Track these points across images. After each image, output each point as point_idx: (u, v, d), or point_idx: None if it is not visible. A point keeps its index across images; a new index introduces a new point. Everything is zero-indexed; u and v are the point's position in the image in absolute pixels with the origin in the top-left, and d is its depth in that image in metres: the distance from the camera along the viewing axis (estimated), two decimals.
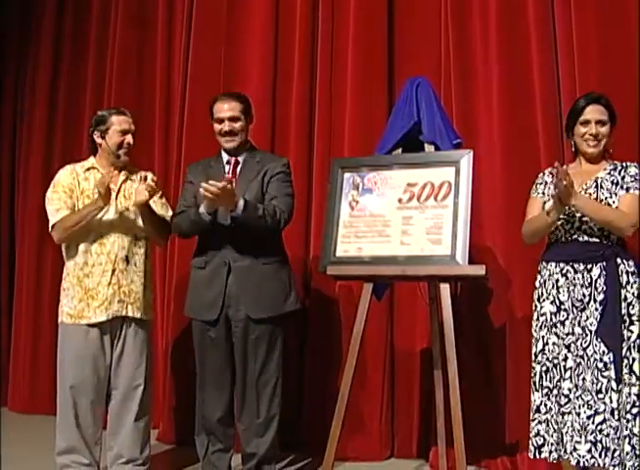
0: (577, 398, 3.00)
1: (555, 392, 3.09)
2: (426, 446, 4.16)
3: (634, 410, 2.94)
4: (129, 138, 3.61)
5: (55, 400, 3.60)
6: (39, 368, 5.32)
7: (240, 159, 3.62)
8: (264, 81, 4.70)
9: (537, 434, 3.11)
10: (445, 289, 3.21)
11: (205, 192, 3.22)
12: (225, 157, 3.66)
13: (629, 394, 2.95)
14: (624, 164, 3.14)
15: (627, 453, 2.90)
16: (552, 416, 3.08)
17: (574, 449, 2.96)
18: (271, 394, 3.52)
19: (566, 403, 3.03)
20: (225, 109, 3.57)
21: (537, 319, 3.18)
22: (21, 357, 5.50)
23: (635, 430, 2.92)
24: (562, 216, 3.11)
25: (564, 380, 3.05)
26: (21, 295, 5.59)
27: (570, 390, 3.02)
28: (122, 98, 5.07)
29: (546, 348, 3.12)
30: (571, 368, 3.04)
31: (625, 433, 2.92)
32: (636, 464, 2.90)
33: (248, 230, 3.40)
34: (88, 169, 3.65)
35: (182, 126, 4.89)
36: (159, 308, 4.84)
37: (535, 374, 3.15)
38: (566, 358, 3.06)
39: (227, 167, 3.63)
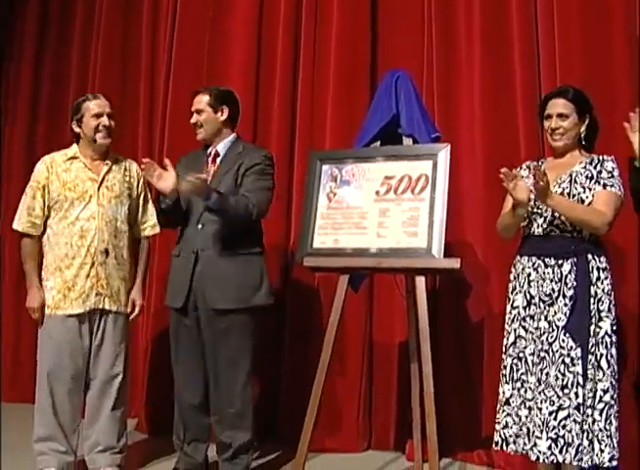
0: (540, 393, 2.99)
1: (518, 385, 3.10)
2: (403, 439, 4.17)
3: (600, 406, 2.93)
4: (104, 120, 3.58)
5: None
6: (21, 357, 5.32)
7: (220, 150, 3.64)
8: (247, 73, 4.71)
9: (506, 426, 3.13)
10: (421, 282, 3.22)
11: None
12: (209, 148, 3.69)
13: (595, 389, 2.94)
14: (600, 158, 3.11)
15: (585, 448, 2.90)
16: (517, 409, 3.09)
17: (535, 445, 2.96)
18: (243, 385, 3.52)
19: (532, 398, 3.03)
20: (193, 102, 3.65)
21: (510, 312, 3.19)
22: (3, 347, 5.48)
23: (600, 425, 2.91)
24: (535, 211, 3.12)
25: (530, 374, 3.06)
26: (3, 283, 5.57)
27: (534, 384, 3.04)
28: (106, 86, 5.07)
29: (517, 341, 3.13)
30: (536, 363, 3.04)
31: (585, 427, 2.91)
32: (595, 458, 2.90)
33: (220, 221, 3.43)
34: (70, 159, 3.62)
35: (165, 115, 4.91)
36: None
37: (506, 366, 3.16)
38: (533, 353, 3.06)
39: (209, 159, 3.66)
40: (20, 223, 3.58)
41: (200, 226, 3.52)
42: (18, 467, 3.72)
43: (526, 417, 3.05)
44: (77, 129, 3.63)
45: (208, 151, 3.67)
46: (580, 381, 2.91)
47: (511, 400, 3.12)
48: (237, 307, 3.47)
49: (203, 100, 3.63)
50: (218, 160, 3.63)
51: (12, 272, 5.46)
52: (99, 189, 3.57)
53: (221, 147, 3.65)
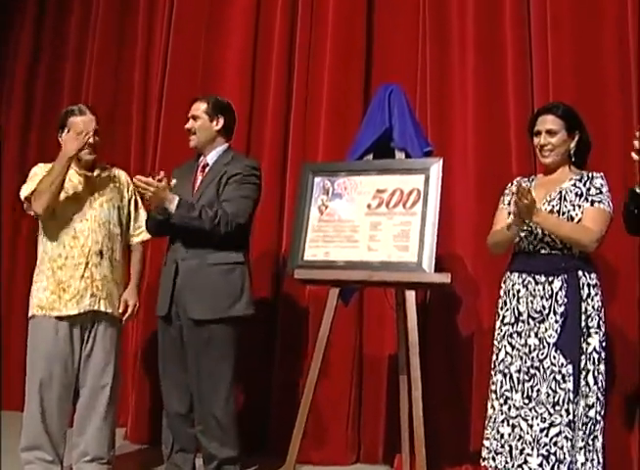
0: (530, 410, 2.99)
1: (501, 401, 3.09)
2: (392, 452, 4.15)
3: (585, 420, 2.94)
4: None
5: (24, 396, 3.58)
6: (10, 364, 5.29)
7: (210, 160, 3.64)
8: (241, 86, 4.73)
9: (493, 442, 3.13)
10: (411, 296, 3.22)
11: (137, 187, 3.28)
12: (201, 157, 3.69)
13: (586, 405, 2.95)
14: (590, 175, 3.11)
15: (582, 464, 2.90)
16: (499, 426, 3.09)
17: (525, 462, 2.95)
18: (226, 396, 3.49)
19: (516, 415, 3.03)
20: (191, 109, 3.66)
21: (499, 328, 3.18)
22: None
23: (584, 440, 2.92)
24: (525, 228, 3.11)
25: (515, 391, 3.05)
26: (2, 286, 5.53)
27: (519, 401, 3.03)
28: (101, 90, 5.11)
29: (505, 357, 3.13)
30: (524, 380, 3.04)
31: (581, 444, 2.91)
32: None
33: (186, 230, 3.43)
34: None
35: (159, 124, 4.91)
36: None
37: (495, 383, 3.15)
38: (519, 370, 3.06)
39: (198, 169, 3.66)
40: (27, 189, 3.53)
41: (181, 235, 3.52)
42: None
43: (509, 435, 3.03)
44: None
45: (199, 161, 3.68)
46: (571, 398, 2.91)
47: (499, 417, 3.11)
48: (215, 318, 3.45)
49: (200, 107, 3.64)
50: (207, 169, 3.63)
51: (2, 277, 5.44)
52: (92, 193, 3.61)
53: (211, 157, 3.65)
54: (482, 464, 3.17)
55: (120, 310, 3.66)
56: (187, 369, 3.54)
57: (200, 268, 3.48)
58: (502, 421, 3.07)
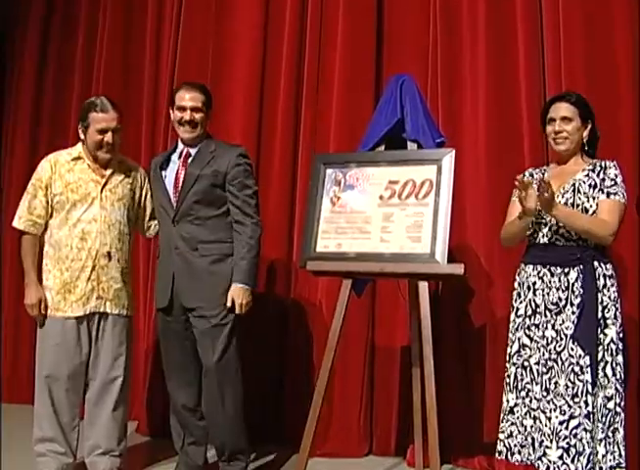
0: (549, 402, 2.98)
1: (523, 394, 3.08)
2: (404, 444, 4.16)
3: (604, 411, 2.92)
4: (108, 137, 3.50)
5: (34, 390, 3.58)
6: (21, 358, 5.31)
7: (192, 151, 3.60)
8: (252, 77, 4.70)
9: (510, 435, 3.11)
10: (424, 287, 3.20)
11: None
12: (180, 147, 3.65)
13: (604, 396, 2.93)
14: (603, 165, 3.08)
15: (603, 456, 2.88)
16: (522, 419, 3.08)
17: (544, 454, 2.94)
18: (234, 386, 3.50)
19: (537, 407, 3.02)
20: (187, 98, 3.57)
21: (514, 321, 3.17)
22: (3, 348, 5.47)
23: (603, 433, 2.90)
24: (540, 220, 3.10)
25: (535, 383, 3.04)
26: (2, 285, 5.55)
27: (540, 393, 3.02)
28: (110, 88, 5.06)
29: (521, 349, 3.12)
30: (542, 372, 3.03)
31: (601, 436, 2.90)
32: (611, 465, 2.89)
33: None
34: (75, 159, 3.59)
35: (169, 117, 4.84)
36: (141, 303, 4.87)
37: (510, 375, 3.14)
38: (538, 362, 3.05)
39: (180, 159, 3.62)
40: (21, 222, 3.55)
41: (175, 225, 3.53)
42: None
43: (532, 427, 3.03)
44: (82, 136, 3.58)
45: (179, 150, 3.64)
46: (590, 389, 2.89)
47: (515, 410, 3.11)
48: (204, 307, 3.47)
49: (200, 98, 3.58)
50: (189, 160, 3.59)
51: (12, 273, 5.44)
52: (102, 191, 3.55)
53: (197, 147, 3.61)
54: (499, 458, 3.16)
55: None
56: (192, 361, 3.55)
57: (194, 257, 3.49)
58: (525, 414, 3.06)
